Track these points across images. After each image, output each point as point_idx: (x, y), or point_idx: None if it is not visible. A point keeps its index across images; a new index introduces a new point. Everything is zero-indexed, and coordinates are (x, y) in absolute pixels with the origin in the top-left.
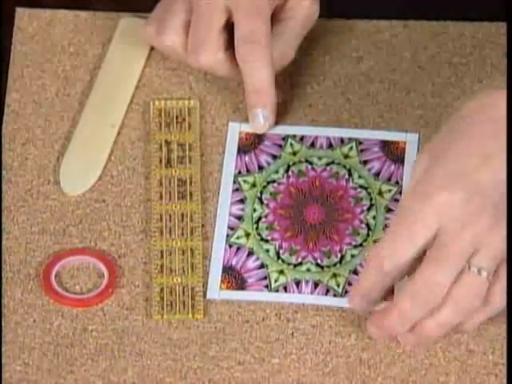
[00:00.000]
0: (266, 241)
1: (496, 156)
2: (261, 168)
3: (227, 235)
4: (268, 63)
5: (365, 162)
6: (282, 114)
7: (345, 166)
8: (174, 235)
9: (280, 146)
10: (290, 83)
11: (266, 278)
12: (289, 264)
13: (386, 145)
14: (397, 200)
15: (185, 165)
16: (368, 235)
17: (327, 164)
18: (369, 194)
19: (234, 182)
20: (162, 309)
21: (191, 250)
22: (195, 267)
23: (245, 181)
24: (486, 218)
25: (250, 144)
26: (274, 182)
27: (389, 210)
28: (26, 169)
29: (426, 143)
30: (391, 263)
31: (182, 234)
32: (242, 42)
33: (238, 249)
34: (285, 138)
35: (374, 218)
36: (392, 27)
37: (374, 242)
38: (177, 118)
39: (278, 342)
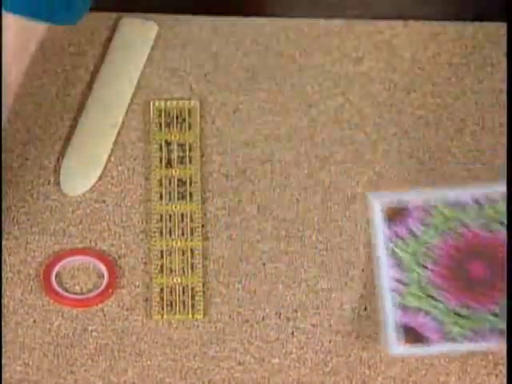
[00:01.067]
0: (434, 299)
1: None
2: (414, 235)
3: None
4: None
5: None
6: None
7: (502, 223)
8: (174, 235)
9: (430, 213)
10: (290, 83)
11: (439, 329)
12: (461, 316)
13: None
14: None
15: (185, 165)
16: None
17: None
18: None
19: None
20: (162, 309)
21: (191, 250)
22: (195, 267)
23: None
24: None
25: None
26: (427, 243)
27: None
28: (26, 169)
29: None
30: None
31: (182, 234)
32: None
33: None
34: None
35: None
36: (392, 27)
37: None
38: (177, 118)
39: (277, 342)
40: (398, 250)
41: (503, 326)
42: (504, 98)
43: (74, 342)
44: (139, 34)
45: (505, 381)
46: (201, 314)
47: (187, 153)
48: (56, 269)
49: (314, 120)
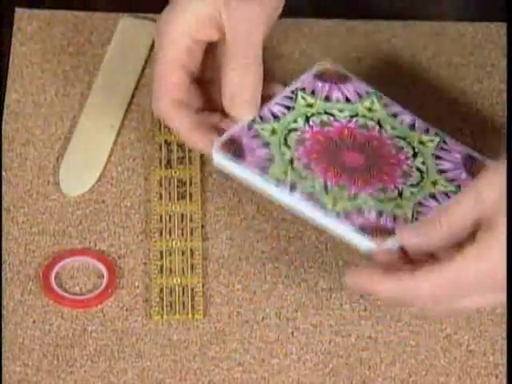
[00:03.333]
0: (308, 178)
1: None
2: (276, 117)
3: (260, 173)
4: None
5: (393, 115)
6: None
7: (372, 118)
8: (173, 236)
9: (291, 98)
10: (290, 83)
11: (319, 205)
12: (341, 197)
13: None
14: (443, 149)
15: (185, 165)
16: (422, 177)
17: (351, 116)
18: (409, 143)
19: (250, 129)
20: (162, 309)
21: (191, 250)
22: (195, 268)
23: (263, 128)
24: None
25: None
26: (295, 130)
27: (437, 158)
28: (25, 169)
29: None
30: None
31: (182, 234)
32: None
33: (277, 183)
34: (294, 92)
35: (423, 163)
36: (392, 27)
37: (433, 183)
38: None
39: (277, 342)
40: (260, 130)
41: (384, 209)
42: (504, 97)
43: (74, 343)
44: (138, 34)
45: (505, 381)
46: (201, 314)
47: (187, 153)
48: (55, 269)
49: None
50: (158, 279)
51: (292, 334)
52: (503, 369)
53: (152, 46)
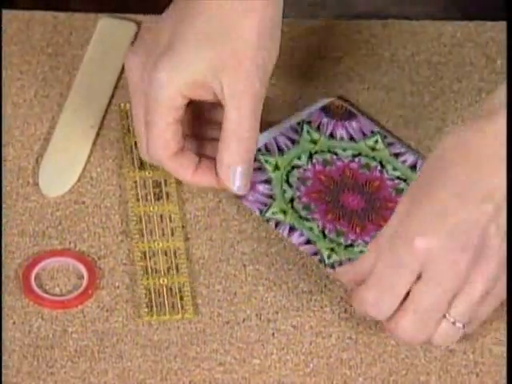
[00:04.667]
0: (307, 219)
1: (470, 195)
2: (281, 150)
3: (260, 211)
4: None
5: (396, 155)
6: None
7: (374, 158)
8: (155, 236)
9: (296, 130)
10: (271, 83)
11: (316, 253)
12: (338, 244)
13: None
14: None
15: (158, 166)
16: None
17: (354, 155)
18: (408, 185)
19: (255, 160)
20: (151, 310)
21: (173, 250)
22: (180, 267)
23: (267, 161)
24: (464, 262)
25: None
26: (298, 167)
27: None
28: (4, 170)
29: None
30: (375, 310)
31: (163, 234)
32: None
33: (277, 224)
34: (300, 124)
35: None
36: (371, 27)
37: None
38: None
39: (258, 343)
40: (264, 162)
41: None
42: (483, 96)
43: (54, 344)
44: (118, 34)
45: (503, 380)
46: (191, 313)
47: None
48: (35, 270)
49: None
50: (145, 280)
51: (273, 334)
52: (483, 367)
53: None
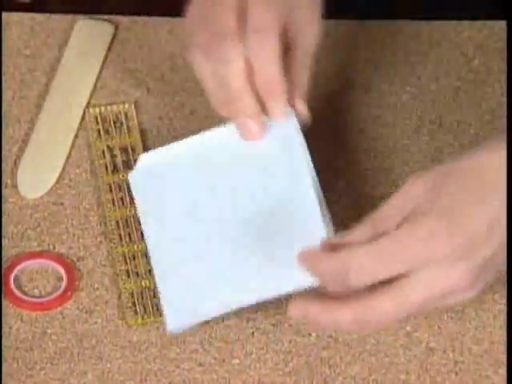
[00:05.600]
0: None
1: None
2: None
3: None
4: (275, 53)
5: None
6: None
7: None
8: (134, 239)
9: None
10: None
11: None
12: None
13: None
14: None
15: (131, 169)
16: None
17: None
18: None
19: None
20: (136, 313)
21: None
22: None
23: None
24: (464, 279)
25: None
26: None
27: None
28: None
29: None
30: (358, 280)
31: (142, 237)
32: (252, 32)
33: None
34: None
35: None
36: (349, 27)
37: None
38: (114, 123)
39: (238, 342)
40: None
41: None
42: (461, 95)
43: (34, 346)
44: (95, 35)
45: (483, 379)
46: None
47: (131, 156)
48: (14, 272)
49: None
50: (127, 284)
51: (252, 334)
52: (463, 366)
53: (109, 48)
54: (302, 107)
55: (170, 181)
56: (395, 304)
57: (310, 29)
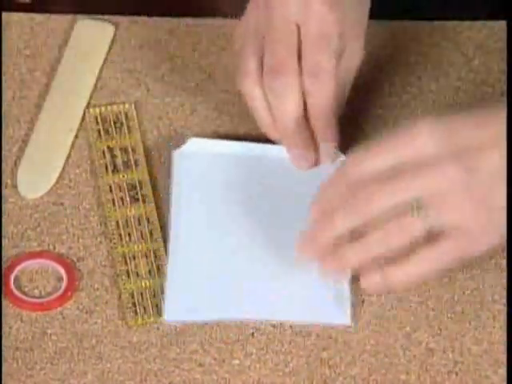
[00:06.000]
0: None
1: None
2: None
3: None
4: (331, 96)
5: None
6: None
7: None
8: (134, 239)
9: None
10: None
11: None
12: None
13: None
14: None
15: (131, 169)
16: None
17: None
18: None
19: None
20: (136, 314)
21: (154, 252)
22: (161, 269)
23: None
24: (459, 180)
25: None
26: None
27: None
28: None
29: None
30: (357, 170)
31: (142, 237)
32: (308, 75)
33: None
34: None
35: None
36: None
37: None
38: (114, 123)
39: (238, 343)
40: None
41: None
42: (460, 95)
43: (34, 346)
44: (95, 35)
45: (483, 379)
46: None
47: (131, 156)
48: (14, 272)
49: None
50: (127, 284)
51: (252, 334)
52: (463, 366)
53: (109, 48)
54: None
55: (210, 175)
56: None
57: (356, 43)
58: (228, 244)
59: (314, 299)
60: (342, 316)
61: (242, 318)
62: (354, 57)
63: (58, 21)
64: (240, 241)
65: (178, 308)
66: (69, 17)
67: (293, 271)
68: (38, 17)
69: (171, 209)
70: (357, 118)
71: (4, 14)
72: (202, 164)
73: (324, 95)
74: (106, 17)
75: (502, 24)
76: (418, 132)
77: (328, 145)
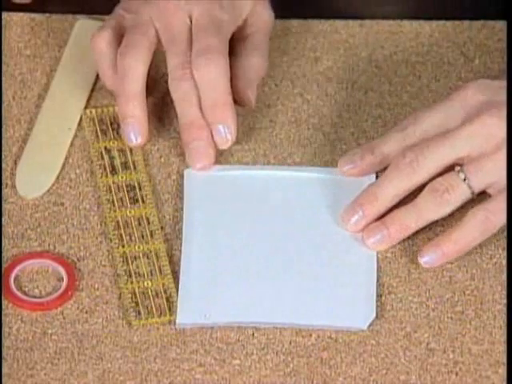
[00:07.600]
0: None
1: None
2: None
3: None
4: (225, 75)
5: None
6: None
7: None
8: (134, 240)
9: None
10: None
11: None
12: None
13: None
14: None
15: (130, 170)
16: None
17: None
18: None
19: None
20: (139, 314)
21: (155, 252)
22: (162, 269)
23: None
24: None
25: None
26: None
27: None
28: None
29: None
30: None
31: (142, 237)
32: (198, 54)
33: None
34: None
35: None
36: (348, 27)
37: None
38: (111, 124)
39: (238, 343)
40: None
41: None
42: None
43: (34, 346)
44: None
45: (483, 379)
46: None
47: (129, 158)
48: (15, 272)
49: (272, 120)
50: (129, 285)
51: (252, 334)
52: (463, 366)
53: None
54: (252, 97)
55: (223, 185)
56: None
57: (262, 18)
58: (242, 248)
59: (332, 303)
60: (362, 320)
61: (253, 322)
62: (263, 28)
63: (58, 21)
64: (253, 245)
65: (190, 315)
66: (69, 17)
67: (308, 276)
68: (38, 17)
69: (184, 218)
70: (357, 118)
71: (4, 14)
72: (214, 179)
73: (217, 71)
74: (106, 17)
75: (502, 24)
76: (466, 87)
77: (223, 126)
